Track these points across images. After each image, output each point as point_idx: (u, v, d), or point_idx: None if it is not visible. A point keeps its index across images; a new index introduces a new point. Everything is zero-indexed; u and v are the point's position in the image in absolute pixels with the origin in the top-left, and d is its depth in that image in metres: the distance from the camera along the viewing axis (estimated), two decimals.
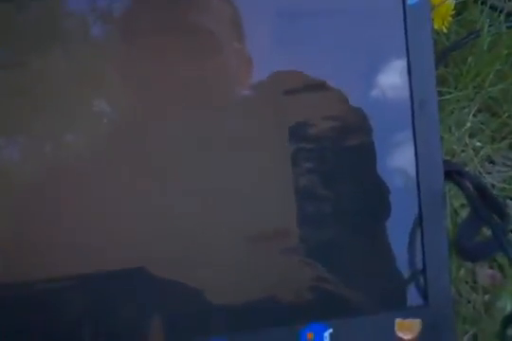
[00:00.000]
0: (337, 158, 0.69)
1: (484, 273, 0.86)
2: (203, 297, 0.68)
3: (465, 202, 0.83)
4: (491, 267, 0.87)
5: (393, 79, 0.69)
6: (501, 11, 0.97)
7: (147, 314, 0.68)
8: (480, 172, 0.93)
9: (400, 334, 0.69)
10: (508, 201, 0.92)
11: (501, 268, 0.86)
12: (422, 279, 0.70)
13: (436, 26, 0.91)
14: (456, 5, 0.94)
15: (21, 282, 0.66)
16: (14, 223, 0.66)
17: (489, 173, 0.94)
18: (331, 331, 0.69)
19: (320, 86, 0.68)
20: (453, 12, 0.93)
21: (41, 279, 0.66)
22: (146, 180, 0.67)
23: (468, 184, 0.70)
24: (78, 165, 0.67)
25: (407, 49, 0.69)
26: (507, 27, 0.97)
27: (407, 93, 0.69)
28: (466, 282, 0.85)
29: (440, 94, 0.92)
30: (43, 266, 0.66)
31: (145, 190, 0.67)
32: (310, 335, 0.69)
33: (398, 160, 0.70)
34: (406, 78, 0.69)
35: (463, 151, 0.94)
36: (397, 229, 0.70)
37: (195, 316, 0.68)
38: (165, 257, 0.67)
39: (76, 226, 0.67)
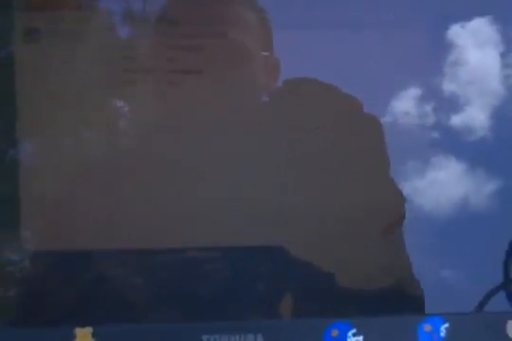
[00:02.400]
0: None
1: None
2: (334, 281, 0.73)
3: None
4: None
5: None
6: None
7: (278, 291, 0.73)
8: None
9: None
10: None
11: None
12: None
13: None
14: None
15: (167, 249, 0.72)
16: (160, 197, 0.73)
17: None
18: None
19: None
20: None
21: (184, 248, 0.72)
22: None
23: None
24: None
25: None
26: None
27: None
28: None
29: None
30: (187, 237, 0.72)
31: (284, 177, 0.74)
32: (427, 327, 0.73)
33: None
34: None
35: None
36: None
37: (324, 298, 0.73)
38: (303, 239, 0.73)
39: (223, 204, 0.73)
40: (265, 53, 0.76)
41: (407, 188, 0.77)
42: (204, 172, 0.73)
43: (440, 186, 0.77)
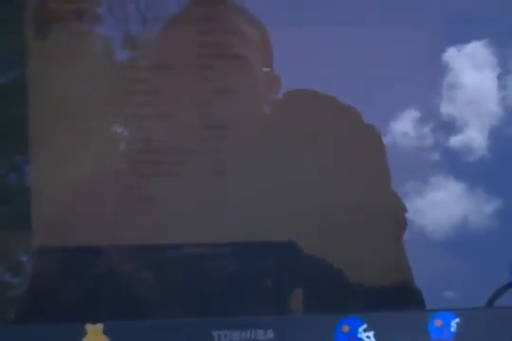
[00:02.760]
0: None
1: None
2: (344, 276, 0.73)
3: None
4: None
5: None
6: None
7: (289, 287, 0.73)
8: None
9: None
10: None
11: None
12: None
13: None
14: None
15: (178, 245, 0.72)
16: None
17: None
18: None
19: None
20: None
21: (195, 244, 0.72)
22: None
23: None
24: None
25: None
26: None
27: None
28: None
29: None
30: (198, 233, 0.72)
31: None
32: (438, 322, 0.73)
33: None
34: None
35: None
36: None
37: (334, 294, 0.73)
38: (313, 234, 0.73)
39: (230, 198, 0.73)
40: (267, 69, 0.77)
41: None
42: (209, 170, 0.73)
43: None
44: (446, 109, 0.78)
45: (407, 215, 0.76)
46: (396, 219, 0.76)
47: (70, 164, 0.73)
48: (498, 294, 0.75)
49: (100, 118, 0.74)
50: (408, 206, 0.77)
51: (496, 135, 0.79)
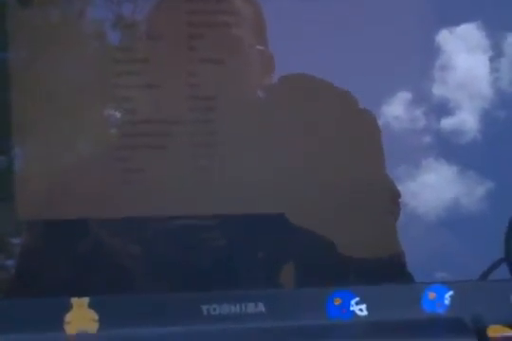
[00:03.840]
0: None
1: None
2: (336, 249, 0.71)
3: None
4: None
5: None
6: None
7: (280, 260, 0.72)
8: None
9: None
10: None
11: None
12: None
13: None
14: None
15: (166, 217, 0.71)
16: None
17: None
18: None
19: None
20: None
21: (181, 216, 0.71)
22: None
23: None
24: None
25: None
26: None
27: None
28: None
29: None
30: (185, 204, 0.71)
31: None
32: (432, 295, 0.72)
33: None
34: None
35: None
36: None
37: (326, 267, 0.72)
38: (304, 207, 0.71)
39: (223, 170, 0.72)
40: (260, 47, 0.74)
41: None
42: (205, 140, 0.72)
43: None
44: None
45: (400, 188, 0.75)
46: (391, 193, 0.75)
47: (54, 135, 0.71)
48: (492, 267, 0.74)
49: (85, 89, 0.72)
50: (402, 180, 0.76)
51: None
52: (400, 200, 0.74)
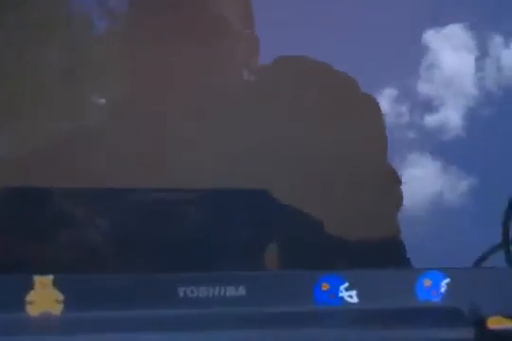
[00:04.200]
0: None
1: None
2: (324, 230, 0.66)
3: None
4: None
5: None
6: None
7: (263, 240, 0.66)
8: None
9: None
10: None
11: None
12: None
13: None
14: None
15: (139, 190, 0.65)
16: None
17: None
18: None
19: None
20: None
21: (163, 189, 0.65)
22: None
23: None
24: None
25: None
26: None
27: None
28: None
29: None
30: (159, 177, 0.65)
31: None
32: (427, 282, 0.67)
33: None
34: None
35: None
36: None
37: (313, 249, 0.66)
38: (292, 183, 0.66)
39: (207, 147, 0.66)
40: (247, 31, 0.71)
41: None
42: (188, 112, 0.66)
43: None
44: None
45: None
46: (385, 174, 0.70)
47: (24, 100, 0.65)
48: (489, 253, 0.69)
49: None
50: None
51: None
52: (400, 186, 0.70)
